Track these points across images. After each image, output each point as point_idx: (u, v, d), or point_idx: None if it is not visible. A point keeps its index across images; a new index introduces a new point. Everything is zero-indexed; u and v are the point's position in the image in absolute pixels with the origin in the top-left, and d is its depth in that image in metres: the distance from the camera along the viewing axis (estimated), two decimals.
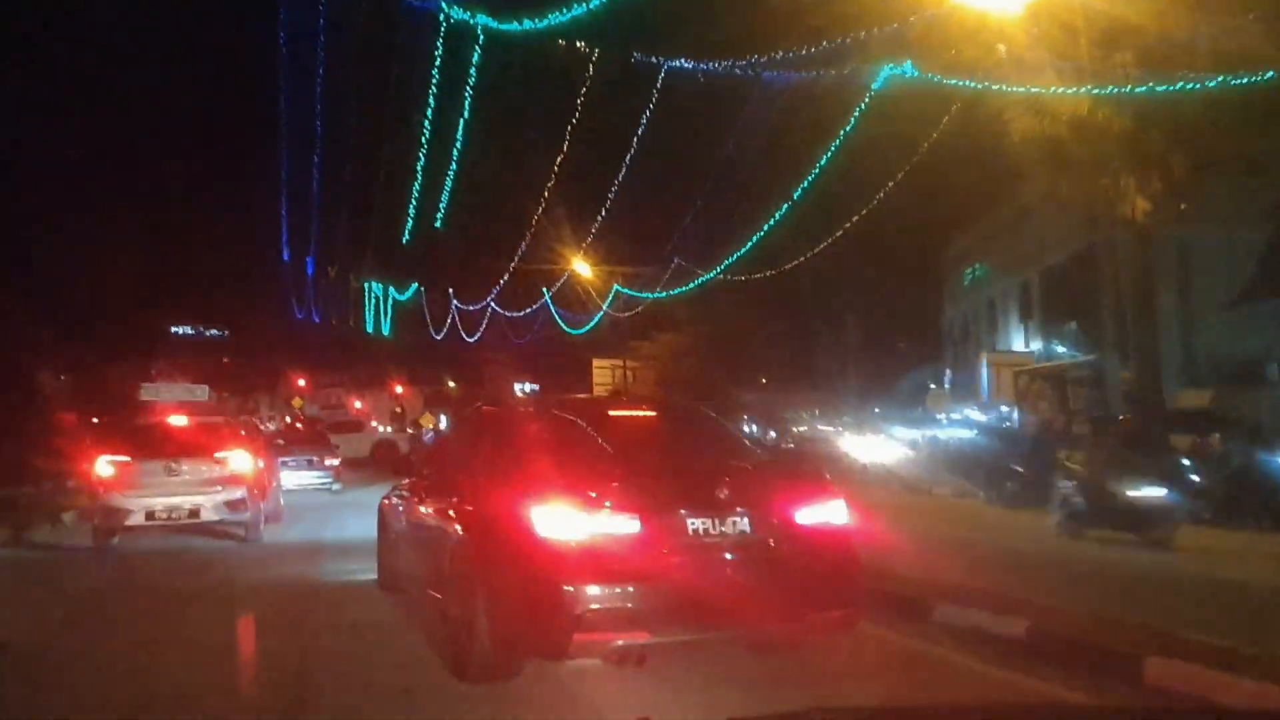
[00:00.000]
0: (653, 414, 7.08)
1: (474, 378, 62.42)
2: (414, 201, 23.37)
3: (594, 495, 4.98)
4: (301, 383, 48.82)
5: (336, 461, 22.07)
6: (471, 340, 39.56)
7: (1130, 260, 16.03)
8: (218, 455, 11.88)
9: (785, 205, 20.26)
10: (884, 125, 18.09)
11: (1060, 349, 38.96)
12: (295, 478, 19.93)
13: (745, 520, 5.18)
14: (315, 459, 21.43)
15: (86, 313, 33.29)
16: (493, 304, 34.43)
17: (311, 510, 16.71)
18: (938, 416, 51.53)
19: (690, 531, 5.07)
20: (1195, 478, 14.26)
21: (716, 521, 5.10)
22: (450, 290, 37.64)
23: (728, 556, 5.14)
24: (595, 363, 37.53)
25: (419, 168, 22.07)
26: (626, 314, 32.96)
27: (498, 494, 5.52)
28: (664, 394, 34.52)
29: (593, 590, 4.83)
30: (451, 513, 6.05)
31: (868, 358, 55.40)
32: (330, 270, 37.29)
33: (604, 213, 23.17)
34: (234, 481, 11.82)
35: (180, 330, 68.62)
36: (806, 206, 22.90)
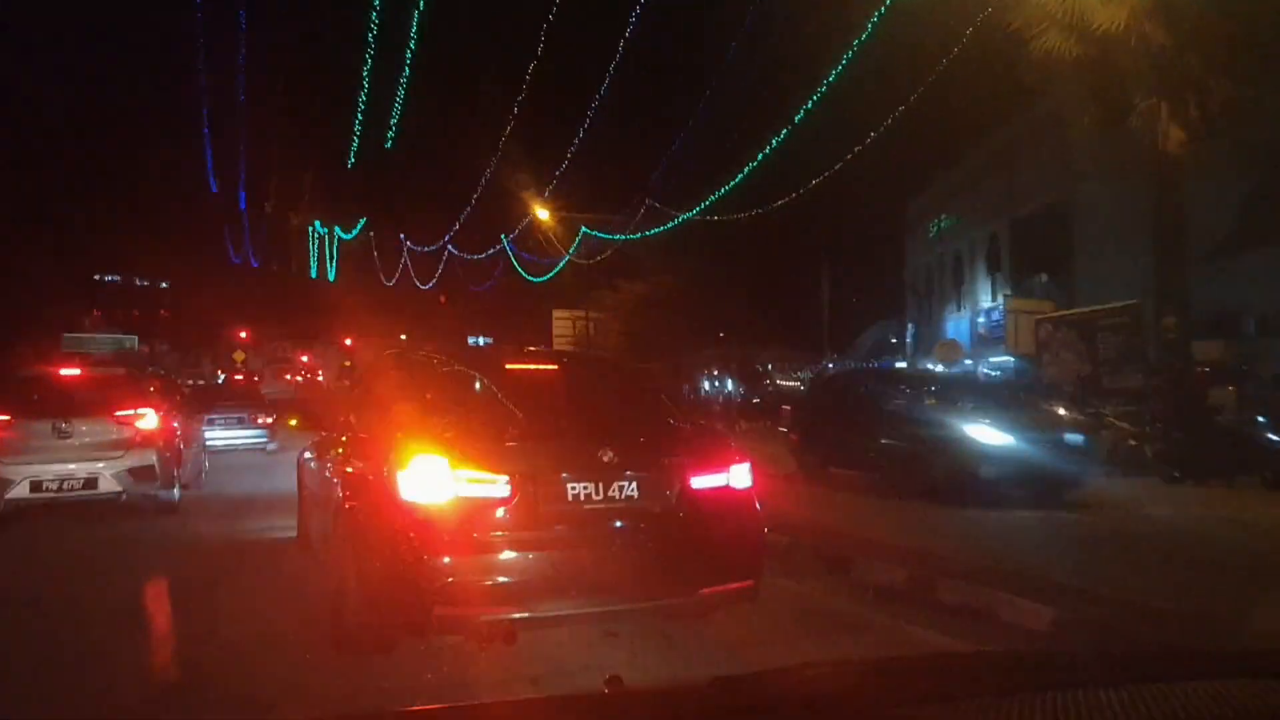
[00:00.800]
0: (556, 368, 6.36)
1: (428, 330, 60.55)
2: (358, 126, 21.37)
3: (461, 455, 4.49)
4: (243, 335, 46.42)
5: (271, 419, 20.51)
6: (425, 287, 37.34)
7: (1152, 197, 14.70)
8: (120, 414, 9.92)
9: (768, 145, 18.88)
10: (880, 56, 17.02)
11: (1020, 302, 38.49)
12: (226, 436, 19.10)
13: (634, 485, 4.72)
14: (246, 416, 20.26)
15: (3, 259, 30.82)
16: (448, 246, 32.38)
17: (242, 470, 15.57)
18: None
19: (569, 497, 4.61)
20: None
21: (601, 486, 4.64)
22: (401, 235, 35.24)
23: (614, 525, 4.69)
24: (555, 314, 36.05)
25: (363, 85, 20.02)
26: (591, 260, 31.30)
27: (371, 452, 5.14)
28: (619, 348, 33.28)
29: (454, 561, 4.40)
30: (335, 470, 5.79)
31: (831, 311, 54.46)
32: (266, 206, 34.39)
33: (570, 152, 21.43)
34: (140, 444, 9.89)
35: (110, 278, 63.68)
36: (783, 147, 21.62)
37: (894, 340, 59.52)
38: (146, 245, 50.80)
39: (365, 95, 21.23)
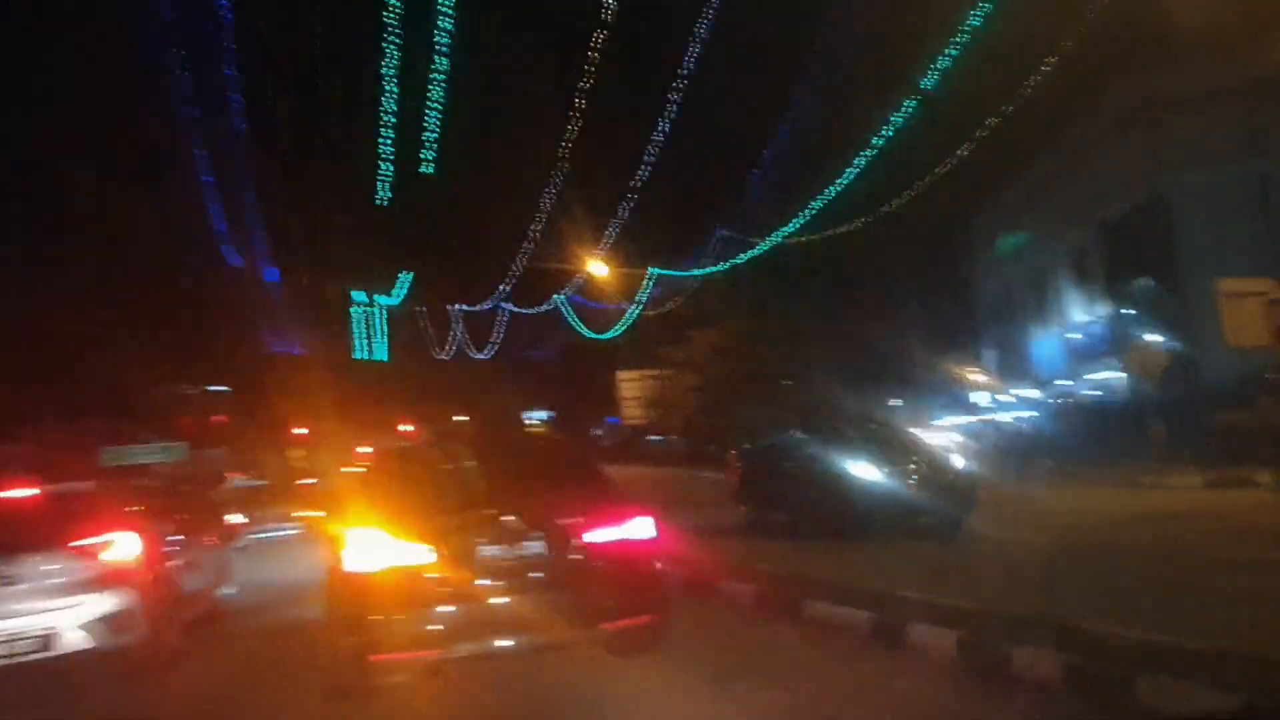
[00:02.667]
0: (491, 452, 7.28)
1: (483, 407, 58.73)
2: (388, 175, 19.54)
3: (392, 532, 5.60)
4: (303, 431, 44.84)
5: (308, 513, 19.67)
6: (479, 356, 35.13)
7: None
8: (80, 544, 7.32)
9: (851, 168, 16.63)
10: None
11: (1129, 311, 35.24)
12: (264, 531, 19.57)
13: (540, 544, 5.72)
14: (284, 519, 20.49)
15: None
16: (501, 305, 30.09)
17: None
18: (975, 401, 47.89)
19: (480, 558, 5.59)
20: None
21: (509, 548, 5.64)
22: (453, 305, 33.02)
23: (523, 577, 5.60)
24: (620, 375, 33.87)
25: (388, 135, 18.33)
26: (659, 311, 28.83)
27: (334, 533, 6.13)
28: (696, 405, 30.63)
29: (385, 616, 5.44)
30: (324, 552, 6.57)
31: (904, 348, 50.99)
32: (302, 278, 32.25)
33: (628, 198, 19.36)
34: (112, 582, 7.30)
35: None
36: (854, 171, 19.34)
37: (974, 369, 56.25)
38: (201, 349, 49.77)
39: (392, 146, 19.48)
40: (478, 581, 5.50)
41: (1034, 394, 44.08)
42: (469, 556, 5.56)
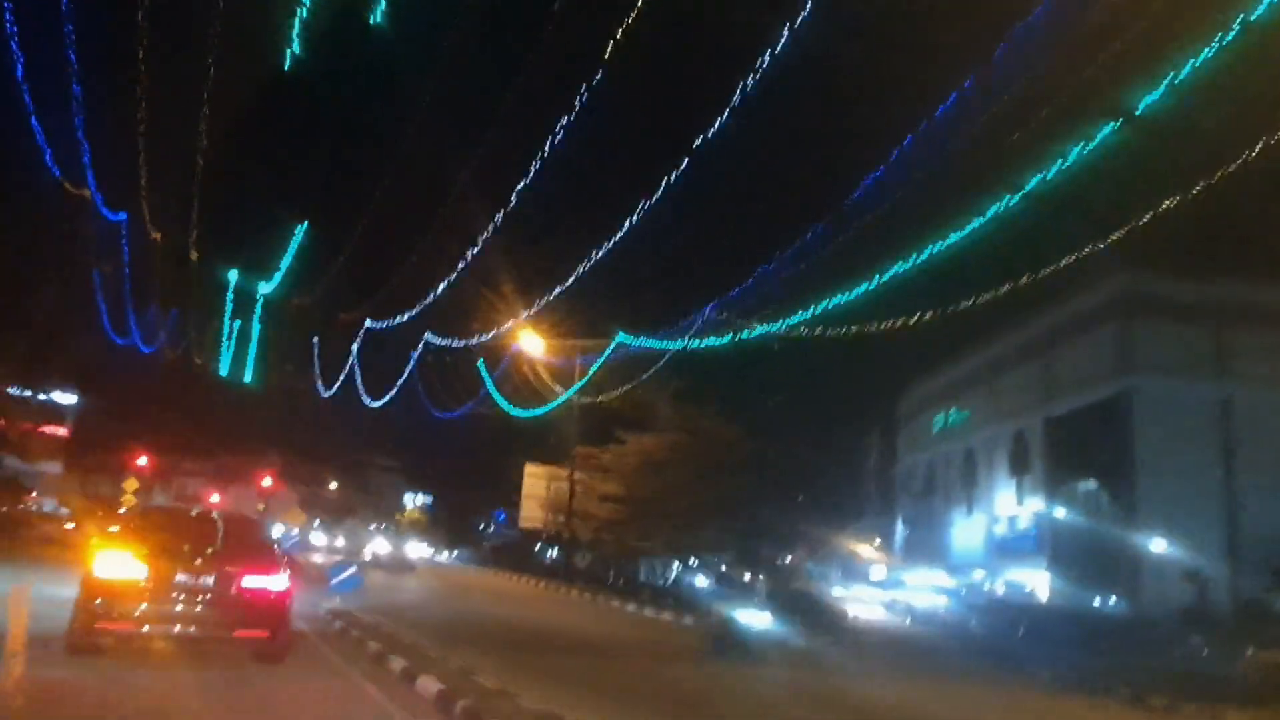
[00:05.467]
0: (210, 515, 11.86)
1: (360, 481, 53.05)
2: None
3: (121, 554, 9.23)
4: (142, 461, 38.86)
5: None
6: (376, 405, 30.46)
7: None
8: None
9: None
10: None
11: (1062, 512, 33.62)
12: None
13: (211, 578, 9.16)
14: None
15: None
16: (426, 338, 25.61)
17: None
18: (871, 575, 45.42)
19: (176, 579, 9.05)
20: None
21: (193, 576, 9.10)
22: (359, 324, 27.81)
23: (199, 596, 9.09)
24: (529, 469, 29.99)
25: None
26: (590, 400, 25.24)
27: (93, 548, 10.12)
28: (611, 520, 26.97)
29: (111, 602, 8.88)
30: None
31: (812, 505, 48.13)
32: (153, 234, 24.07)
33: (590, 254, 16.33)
34: None
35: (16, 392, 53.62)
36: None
37: (877, 542, 54.03)
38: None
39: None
40: (171, 593, 9.05)
41: (945, 581, 42.04)
42: (168, 578, 9.09)
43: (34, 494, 40.70)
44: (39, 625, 9.66)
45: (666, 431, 25.98)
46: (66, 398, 59.25)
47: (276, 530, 29.31)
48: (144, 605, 8.78)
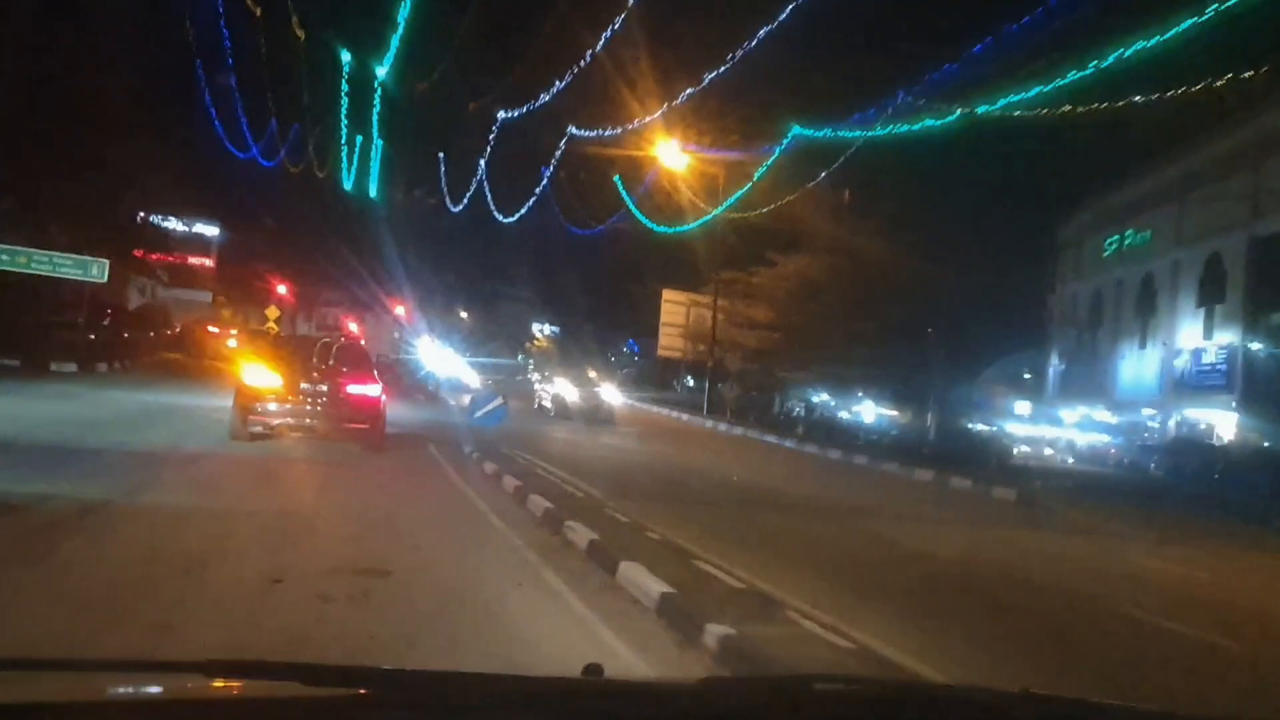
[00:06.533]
0: (326, 341, 14.84)
1: (491, 309, 52.92)
2: None
3: (263, 368, 12.65)
4: (282, 289, 39.27)
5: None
6: (507, 220, 28.58)
7: None
8: None
9: None
10: None
11: (1260, 346, 29.88)
12: None
13: (325, 386, 12.61)
14: None
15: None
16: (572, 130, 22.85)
17: None
18: (1018, 413, 42.45)
19: (301, 388, 12.46)
20: None
21: (313, 384, 12.53)
22: (496, 113, 25.07)
23: (319, 400, 12.51)
24: (666, 295, 28.31)
25: None
26: (740, 216, 22.57)
27: (241, 363, 14.32)
28: (760, 351, 24.97)
29: (257, 403, 12.38)
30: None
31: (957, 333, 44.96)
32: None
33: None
34: None
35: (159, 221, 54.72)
36: None
37: (1026, 376, 50.84)
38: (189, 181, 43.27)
39: None
40: (298, 396, 12.43)
41: (1106, 418, 39.07)
42: (296, 386, 12.46)
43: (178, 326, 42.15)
44: (215, 423, 13.36)
45: (824, 252, 23.49)
46: (210, 229, 61.25)
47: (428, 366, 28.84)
48: (279, 405, 12.37)
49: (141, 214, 44.77)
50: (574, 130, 22.48)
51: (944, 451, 18.56)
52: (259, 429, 12.38)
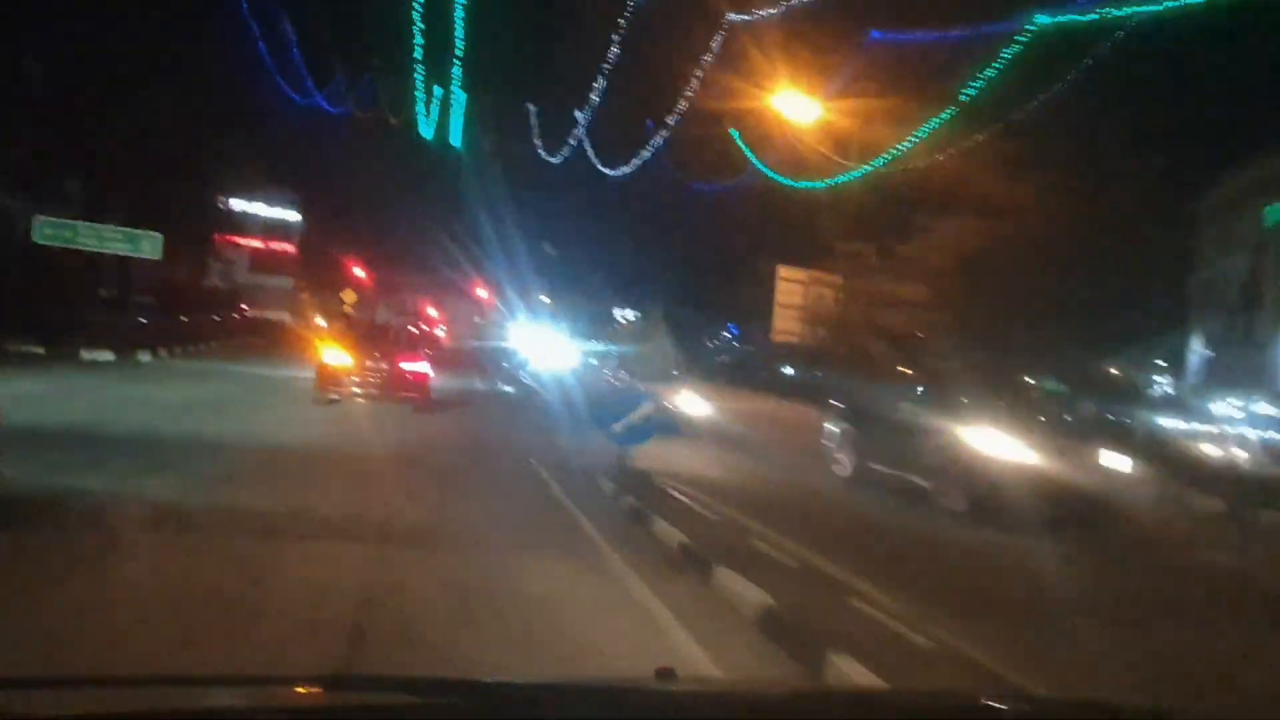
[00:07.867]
0: (388, 325, 25.38)
1: (578, 290, 50.47)
2: None
3: (337, 349, 17.77)
4: (359, 272, 37.45)
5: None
6: (615, 173, 25.27)
7: None
8: None
9: None
10: None
11: None
12: None
13: (385, 364, 18.07)
14: None
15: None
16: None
17: None
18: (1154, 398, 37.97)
19: (368, 365, 17.89)
20: None
21: (375, 362, 18.03)
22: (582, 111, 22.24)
23: (379, 373, 17.88)
24: (783, 272, 25.19)
25: None
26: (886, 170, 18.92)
27: (319, 345, 19.15)
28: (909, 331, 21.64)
29: (330, 376, 17.30)
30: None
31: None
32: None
33: None
34: None
35: (244, 204, 53.24)
36: None
37: (1161, 363, 46.14)
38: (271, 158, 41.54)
39: None
40: (363, 371, 17.48)
41: (1270, 410, 34.60)
42: (363, 362, 17.56)
43: (244, 307, 41.37)
44: (298, 390, 17.74)
45: (980, 216, 19.97)
46: (292, 215, 60.58)
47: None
48: (349, 378, 17.14)
49: (222, 199, 43.57)
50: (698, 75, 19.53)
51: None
52: (335, 397, 16.65)
